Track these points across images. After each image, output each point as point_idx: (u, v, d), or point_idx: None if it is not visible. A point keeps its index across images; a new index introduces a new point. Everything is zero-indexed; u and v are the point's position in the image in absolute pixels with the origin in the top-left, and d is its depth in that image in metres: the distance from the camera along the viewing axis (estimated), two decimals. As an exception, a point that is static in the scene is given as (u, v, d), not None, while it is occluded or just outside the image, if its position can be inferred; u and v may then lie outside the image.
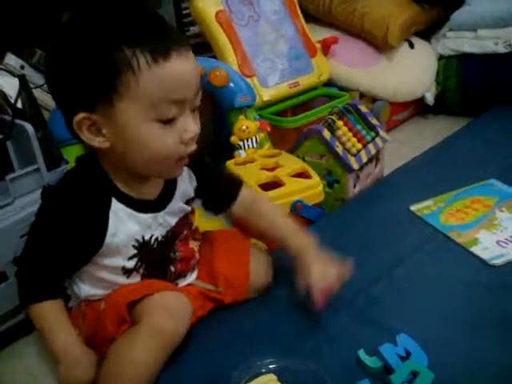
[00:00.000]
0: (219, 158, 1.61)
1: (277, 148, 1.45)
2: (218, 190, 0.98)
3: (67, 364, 0.82)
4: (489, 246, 1.07)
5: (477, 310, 0.92)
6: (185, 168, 0.88)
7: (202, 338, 0.90)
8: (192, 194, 0.93)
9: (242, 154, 1.42)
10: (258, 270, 0.98)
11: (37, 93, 1.31)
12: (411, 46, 1.97)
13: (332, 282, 0.88)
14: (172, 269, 0.91)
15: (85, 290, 0.87)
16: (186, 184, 0.91)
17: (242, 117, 1.43)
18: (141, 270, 0.87)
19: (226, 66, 1.48)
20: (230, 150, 1.45)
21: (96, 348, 0.85)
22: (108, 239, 0.81)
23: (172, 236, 0.89)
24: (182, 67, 0.73)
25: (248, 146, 1.44)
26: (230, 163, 1.34)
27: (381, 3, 1.90)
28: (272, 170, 1.27)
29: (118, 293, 0.85)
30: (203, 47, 1.73)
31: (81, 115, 0.73)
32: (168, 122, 0.74)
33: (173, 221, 0.89)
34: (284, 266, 1.05)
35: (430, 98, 1.97)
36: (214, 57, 1.60)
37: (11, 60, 1.38)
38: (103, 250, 0.82)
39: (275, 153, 1.37)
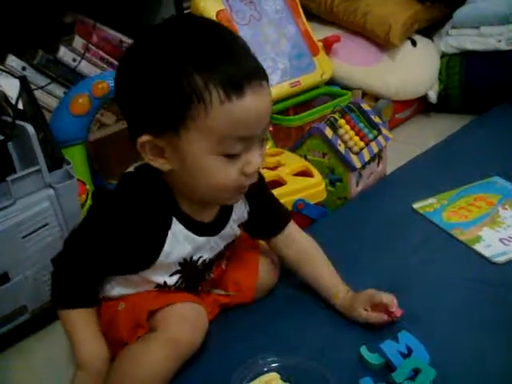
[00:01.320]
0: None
1: (279, 147, 1.45)
2: (267, 219, 0.95)
3: (84, 375, 0.80)
4: (492, 243, 1.07)
5: (479, 308, 0.91)
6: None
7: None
8: (245, 217, 0.91)
9: (244, 154, 1.41)
10: (266, 273, 0.98)
11: (38, 94, 1.32)
12: (414, 44, 1.96)
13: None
14: (200, 288, 0.92)
15: (109, 290, 0.86)
16: (242, 209, 0.90)
17: (243, 116, 1.43)
18: (178, 285, 0.87)
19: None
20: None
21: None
22: (161, 258, 0.80)
23: (216, 258, 0.89)
24: (254, 105, 0.70)
25: (250, 145, 1.43)
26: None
27: (383, 1, 1.90)
28: (274, 168, 1.26)
29: (139, 298, 0.85)
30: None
31: (145, 137, 0.72)
32: (232, 156, 0.72)
33: (223, 244, 0.89)
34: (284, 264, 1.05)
35: (432, 96, 1.96)
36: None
37: (13, 61, 1.38)
38: (152, 266, 0.81)
39: (277, 151, 1.37)
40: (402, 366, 0.77)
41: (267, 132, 0.77)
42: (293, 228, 0.97)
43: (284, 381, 0.78)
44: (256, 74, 0.70)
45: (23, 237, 0.99)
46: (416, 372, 0.76)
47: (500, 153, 1.47)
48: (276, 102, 1.64)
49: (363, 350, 0.82)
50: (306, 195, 1.17)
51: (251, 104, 0.69)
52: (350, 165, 1.28)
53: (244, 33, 1.60)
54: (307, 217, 1.20)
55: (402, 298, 0.95)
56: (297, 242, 0.96)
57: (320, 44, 1.79)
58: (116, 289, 0.86)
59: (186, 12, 1.72)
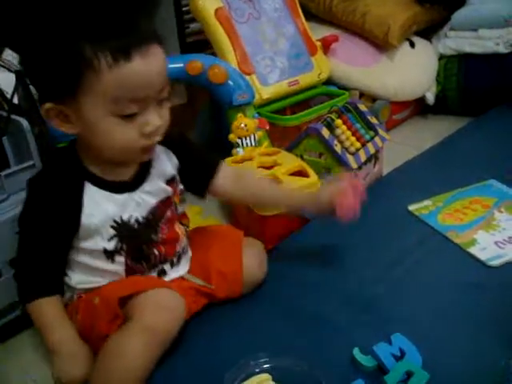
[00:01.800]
0: (218, 155, 1.61)
1: (275, 146, 1.45)
2: (198, 168, 0.98)
3: (62, 359, 0.83)
4: (487, 246, 1.07)
5: (473, 311, 0.91)
6: (161, 148, 0.90)
7: (195, 338, 0.90)
8: (173, 173, 0.93)
9: (240, 152, 1.41)
10: (252, 264, 0.98)
11: (34, 89, 1.31)
12: (412, 45, 1.96)
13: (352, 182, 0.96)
14: (155, 251, 0.91)
15: (75, 278, 0.88)
16: (164, 163, 0.91)
17: (240, 114, 1.43)
18: (123, 253, 0.87)
19: (224, 63, 1.47)
20: (228, 148, 1.45)
21: (90, 343, 0.85)
22: (84, 220, 0.83)
23: (153, 217, 0.89)
24: (143, 67, 0.74)
25: (246, 143, 1.43)
26: (227, 161, 1.33)
27: (382, 2, 1.89)
28: (270, 168, 1.26)
29: (110, 288, 0.86)
30: (203, 44, 1.73)
31: (48, 105, 0.77)
32: (128, 116, 0.76)
33: (152, 201, 0.89)
34: (278, 263, 1.05)
35: (430, 98, 1.96)
36: (214, 54, 1.59)
37: (9, 55, 1.37)
38: (82, 233, 0.84)
39: (273, 151, 1.36)
40: (394, 368, 0.77)
41: (165, 93, 0.80)
42: (229, 169, 1.02)
43: (276, 382, 0.77)
44: (145, 37, 0.75)
45: (16, 232, 0.98)
46: (409, 375, 0.76)
47: (496, 155, 1.47)
48: (274, 100, 1.64)
49: (356, 352, 0.82)
50: (301, 195, 1.17)
51: (139, 67, 0.73)
52: (347, 165, 1.27)
53: (242, 31, 1.60)
54: (302, 217, 1.19)
55: (396, 299, 0.95)
56: (239, 177, 1.00)
57: (318, 44, 1.79)
58: (83, 277, 0.88)
59: (184, 10, 1.72)
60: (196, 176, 0.97)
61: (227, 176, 0.99)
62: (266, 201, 1.04)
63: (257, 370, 0.79)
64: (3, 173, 0.97)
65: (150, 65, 0.75)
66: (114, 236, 0.86)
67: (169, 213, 0.92)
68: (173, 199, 0.93)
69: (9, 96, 1.06)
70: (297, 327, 0.90)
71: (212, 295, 0.96)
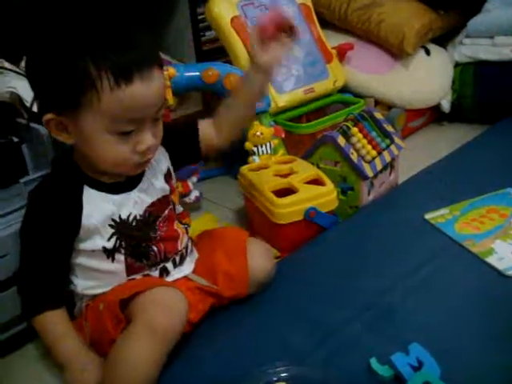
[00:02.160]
0: (233, 163, 1.61)
1: (291, 154, 1.45)
2: (183, 140, 0.99)
3: (73, 369, 0.84)
4: (504, 256, 1.06)
5: (491, 321, 0.90)
6: (160, 149, 0.92)
7: (209, 344, 0.90)
8: (166, 165, 0.96)
9: (256, 160, 1.42)
10: (258, 262, 0.99)
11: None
12: (427, 52, 1.95)
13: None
14: (155, 248, 0.92)
15: (80, 284, 0.90)
16: (161, 161, 0.95)
17: (256, 122, 1.43)
18: (122, 250, 0.89)
19: (240, 71, 1.47)
20: (244, 156, 1.45)
21: (101, 350, 0.86)
22: (84, 221, 0.85)
23: (150, 215, 0.91)
24: (143, 91, 0.77)
25: (262, 151, 1.44)
26: (244, 169, 1.34)
27: (397, 10, 1.89)
28: (286, 176, 1.26)
29: (113, 292, 0.88)
30: (219, 52, 1.74)
31: (49, 115, 0.79)
32: (124, 134, 0.80)
33: (149, 199, 0.91)
34: (294, 272, 1.05)
35: (445, 106, 1.95)
36: (230, 62, 1.60)
37: (28, 64, 1.39)
38: (82, 234, 0.86)
39: (289, 159, 1.37)
40: (412, 379, 0.77)
41: (161, 112, 0.83)
42: (205, 122, 1.01)
43: (293, 390, 0.78)
44: (146, 62, 0.77)
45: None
46: (427, 386, 0.76)
47: (513, 164, 1.46)
48: (289, 108, 1.65)
49: (373, 362, 0.81)
50: (317, 204, 1.17)
51: (139, 90, 0.76)
52: (363, 173, 1.27)
53: (258, 39, 1.60)
54: (318, 225, 1.19)
55: (413, 309, 0.95)
56: (215, 121, 1.01)
57: (333, 51, 1.80)
58: (87, 282, 0.90)
59: (200, 18, 1.73)
60: (185, 147, 0.99)
61: (207, 127, 1.01)
62: (236, 118, 1.02)
63: (274, 379, 0.79)
64: (22, 180, 0.99)
65: (149, 88, 0.78)
66: (113, 234, 0.87)
67: (167, 211, 0.94)
68: (170, 198, 0.96)
69: (28, 104, 1.07)
70: (313, 336, 0.90)
71: (218, 295, 0.97)
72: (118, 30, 0.78)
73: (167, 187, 0.94)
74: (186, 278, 0.97)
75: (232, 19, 1.58)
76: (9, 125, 1.04)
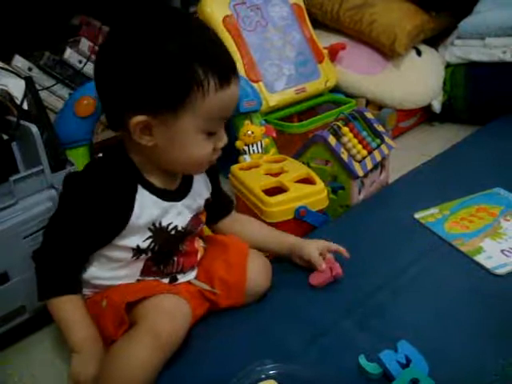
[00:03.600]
0: (224, 162, 1.61)
1: (282, 153, 1.45)
2: (219, 202, 1.06)
3: (83, 357, 0.84)
4: (493, 254, 1.06)
5: (479, 319, 0.91)
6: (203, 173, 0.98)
7: (200, 343, 0.90)
8: (208, 196, 0.99)
9: (246, 159, 1.42)
10: (256, 274, 0.99)
11: (43, 95, 1.32)
12: (419, 53, 1.97)
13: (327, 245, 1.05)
14: (176, 260, 0.94)
15: (90, 271, 0.90)
16: (201, 184, 0.98)
17: (247, 122, 1.43)
18: (149, 253, 0.90)
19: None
20: (235, 155, 1.45)
21: None
22: (132, 221, 0.86)
23: (189, 230, 0.94)
24: (235, 92, 0.84)
25: (253, 150, 1.44)
26: (234, 168, 1.34)
27: (389, 10, 1.90)
28: (277, 175, 1.26)
29: (118, 292, 0.87)
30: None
31: (141, 117, 0.80)
32: (212, 134, 0.84)
33: (189, 214, 0.94)
34: (284, 270, 1.06)
35: (436, 106, 1.96)
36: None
37: (19, 62, 1.39)
38: (125, 231, 0.86)
39: (280, 158, 1.37)
40: (400, 376, 0.77)
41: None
42: (236, 214, 1.11)
43: (281, 388, 0.78)
44: (235, 66, 0.84)
45: (24, 237, 0.99)
46: (415, 382, 0.76)
47: (503, 164, 1.47)
48: (281, 108, 1.65)
49: (361, 359, 0.81)
50: (308, 202, 1.17)
51: (234, 91, 0.83)
52: (353, 173, 1.28)
53: (250, 39, 1.61)
54: (309, 224, 1.20)
55: (402, 307, 0.95)
56: (242, 222, 1.10)
57: (325, 51, 1.80)
58: (99, 272, 0.90)
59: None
60: (213, 209, 1.03)
61: (236, 219, 1.09)
62: (257, 246, 1.07)
63: (263, 377, 0.79)
64: (12, 178, 0.98)
65: (238, 89, 0.85)
66: (150, 237, 0.88)
67: (199, 228, 0.98)
68: (202, 217, 0.99)
69: (18, 102, 1.07)
70: (302, 334, 0.90)
71: (215, 302, 0.97)
72: (211, 35, 0.84)
73: (202, 207, 0.98)
74: (187, 281, 0.97)
75: (224, 19, 1.58)
76: (-1, 122, 1.04)
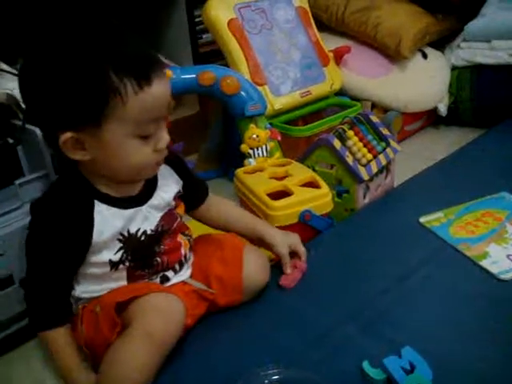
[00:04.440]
0: (229, 165, 1.61)
1: (287, 157, 1.45)
2: (194, 191, 1.03)
3: None
4: (498, 259, 1.06)
5: (484, 325, 0.91)
6: (166, 166, 0.94)
7: (202, 347, 0.90)
8: (177, 189, 0.96)
9: (251, 163, 1.42)
10: (253, 269, 0.99)
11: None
12: (424, 56, 1.96)
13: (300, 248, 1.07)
14: (159, 260, 0.93)
15: (79, 288, 0.89)
16: (168, 181, 0.95)
17: (252, 125, 1.43)
18: (126, 263, 0.89)
19: (237, 74, 1.48)
20: (240, 158, 1.45)
21: (96, 352, 0.86)
22: (95, 238, 0.84)
23: (162, 230, 0.92)
24: (161, 90, 0.79)
25: (258, 154, 1.44)
26: (239, 171, 1.34)
27: (394, 13, 1.90)
28: (281, 179, 1.26)
29: (110, 295, 0.87)
30: (215, 55, 1.74)
31: (68, 134, 0.78)
32: (146, 137, 0.81)
33: (158, 214, 0.91)
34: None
35: (442, 109, 1.95)
36: (226, 65, 1.60)
37: (24, 65, 1.39)
38: (92, 249, 0.85)
39: (285, 162, 1.37)
40: (404, 382, 0.77)
41: (169, 111, 0.86)
42: (213, 197, 1.08)
43: (285, 393, 0.78)
44: (157, 62, 0.80)
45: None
46: (419, 389, 0.76)
47: (509, 168, 1.46)
48: (286, 111, 1.65)
49: (365, 365, 0.81)
50: (312, 206, 1.17)
51: (158, 89, 0.79)
52: (358, 177, 1.27)
53: (255, 42, 1.61)
54: (313, 228, 1.20)
55: (406, 312, 0.95)
56: (218, 205, 1.08)
57: (330, 54, 1.80)
58: (86, 287, 0.89)
59: (197, 20, 1.73)
60: (188, 199, 1.01)
61: (211, 204, 1.07)
62: (232, 229, 1.08)
63: (266, 382, 0.79)
64: (17, 181, 0.99)
65: (165, 86, 0.81)
66: (121, 248, 0.87)
67: (175, 224, 0.95)
68: (176, 211, 0.96)
69: (24, 106, 1.07)
70: (306, 338, 0.90)
71: (213, 301, 0.97)
72: (124, 36, 0.80)
73: (173, 202, 0.95)
74: (182, 282, 0.97)
75: (229, 22, 1.58)
76: (4, 126, 1.04)
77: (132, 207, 0.88)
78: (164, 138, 0.84)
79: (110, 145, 0.79)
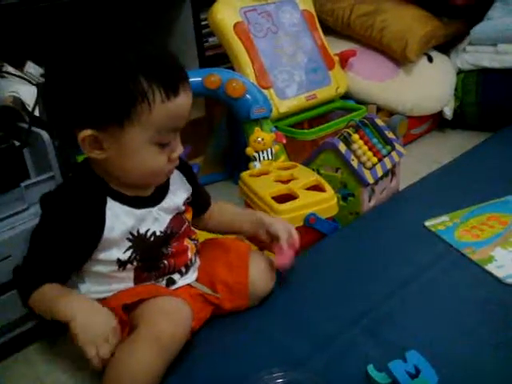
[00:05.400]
0: (234, 168, 1.62)
1: (292, 160, 1.45)
2: (199, 199, 1.04)
3: (85, 313, 0.81)
4: (504, 263, 1.06)
5: (490, 329, 0.90)
6: (178, 173, 0.96)
7: (207, 350, 0.90)
8: (187, 195, 0.97)
9: (257, 166, 1.42)
10: (259, 275, 0.99)
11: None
12: (430, 59, 1.96)
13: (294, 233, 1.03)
14: (166, 262, 0.93)
15: (84, 287, 0.89)
16: (179, 185, 0.96)
17: (257, 128, 1.44)
18: (134, 263, 0.89)
19: (242, 77, 1.48)
20: (245, 161, 1.45)
21: None
22: (106, 234, 0.84)
23: (171, 233, 0.92)
24: (185, 101, 0.82)
25: (263, 157, 1.44)
26: (244, 174, 1.34)
27: (400, 17, 1.90)
28: (286, 182, 1.26)
29: (116, 297, 0.87)
30: (221, 58, 1.75)
31: (88, 132, 0.79)
32: (164, 145, 0.83)
33: (168, 217, 0.92)
34: (293, 277, 1.05)
35: (448, 113, 1.95)
36: (232, 68, 1.60)
37: (31, 68, 1.39)
38: (101, 245, 0.85)
39: (290, 165, 1.37)
40: (409, 386, 0.77)
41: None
42: (213, 206, 1.08)
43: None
44: (185, 75, 0.82)
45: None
46: (424, 393, 0.76)
47: (514, 172, 1.46)
48: (291, 114, 1.65)
49: (370, 369, 0.81)
50: (317, 210, 1.17)
51: (183, 101, 0.81)
52: (363, 180, 1.27)
53: (261, 45, 1.61)
54: (318, 231, 1.19)
55: (411, 316, 0.94)
56: (216, 210, 1.08)
57: (336, 58, 1.80)
58: (92, 287, 0.89)
59: (203, 24, 1.74)
60: (194, 207, 1.01)
61: (213, 210, 1.08)
62: (238, 225, 1.09)
63: (270, 385, 0.79)
64: (23, 184, 0.99)
65: (188, 98, 0.83)
66: (130, 248, 0.87)
67: (183, 228, 0.95)
68: (185, 216, 0.97)
69: (30, 108, 1.08)
70: (310, 342, 0.90)
71: (218, 306, 0.97)
72: (156, 43, 0.82)
73: (182, 207, 0.95)
74: (188, 285, 0.97)
75: (235, 25, 1.58)
76: (11, 129, 1.04)
77: (143, 208, 0.88)
78: (179, 148, 0.86)
79: (128, 147, 0.80)
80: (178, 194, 0.95)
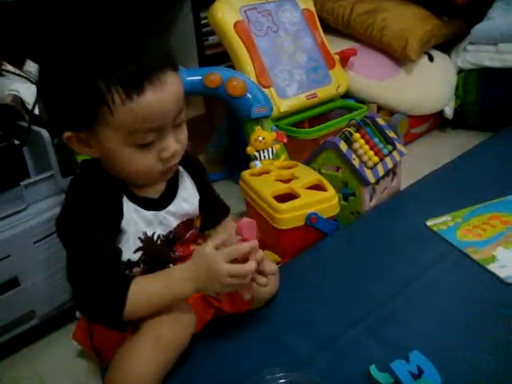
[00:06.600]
0: (235, 167, 1.61)
1: (293, 159, 1.45)
2: (211, 208, 1.00)
3: (200, 272, 0.81)
4: (506, 263, 1.05)
5: (492, 329, 0.90)
6: (187, 175, 0.94)
7: (208, 351, 0.90)
8: (197, 201, 0.95)
9: (257, 165, 1.41)
10: None
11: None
12: (430, 59, 1.95)
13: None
14: (171, 266, 0.92)
15: None
16: (189, 191, 0.94)
17: (258, 127, 1.43)
18: (141, 265, 0.88)
19: (243, 76, 1.48)
20: (245, 161, 1.45)
21: (104, 354, 0.86)
22: (123, 224, 0.84)
23: (173, 237, 0.91)
24: (157, 99, 0.75)
25: (264, 156, 1.43)
26: (245, 174, 1.33)
27: (400, 16, 1.89)
28: (287, 181, 1.26)
29: None
30: (222, 57, 1.74)
31: (68, 134, 0.79)
32: (145, 145, 0.78)
33: (174, 222, 0.90)
34: (294, 277, 1.05)
35: (449, 112, 1.95)
36: (232, 67, 1.60)
37: (31, 67, 1.39)
38: (119, 239, 0.84)
39: (291, 164, 1.37)
40: (412, 386, 0.76)
41: (182, 116, 0.82)
42: (230, 221, 1.03)
43: (292, 397, 0.77)
44: (155, 68, 0.75)
45: (35, 242, 0.99)
46: (427, 394, 0.75)
47: (516, 171, 1.46)
48: (292, 114, 1.65)
49: (373, 369, 0.81)
50: (319, 209, 1.16)
51: (152, 98, 0.75)
52: (364, 179, 1.27)
53: (261, 44, 1.61)
54: (320, 230, 1.19)
55: (414, 316, 0.94)
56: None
57: (336, 57, 1.80)
58: None
59: (203, 23, 1.73)
60: (203, 216, 0.98)
61: (227, 226, 1.02)
62: None
63: (273, 386, 0.79)
64: (23, 183, 0.99)
65: (164, 94, 0.76)
66: (140, 248, 0.86)
67: (188, 234, 0.94)
68: (195, 222, 0.96)
69: (30, 107, 1.07)
70: (313, 342, 0.89)
71: (219, 308, 0.96)
72: (121, 41, 0.77)
73: (196, 213, 0.95)
74: None
75: (235, 24, 1.58)
76: (10, 127, 1.04)
77: (151, 209, 0.87)
78: (169, 147, 0.80)
79: (107, 148, 0.79)
80: (188, 199, 0.93)
